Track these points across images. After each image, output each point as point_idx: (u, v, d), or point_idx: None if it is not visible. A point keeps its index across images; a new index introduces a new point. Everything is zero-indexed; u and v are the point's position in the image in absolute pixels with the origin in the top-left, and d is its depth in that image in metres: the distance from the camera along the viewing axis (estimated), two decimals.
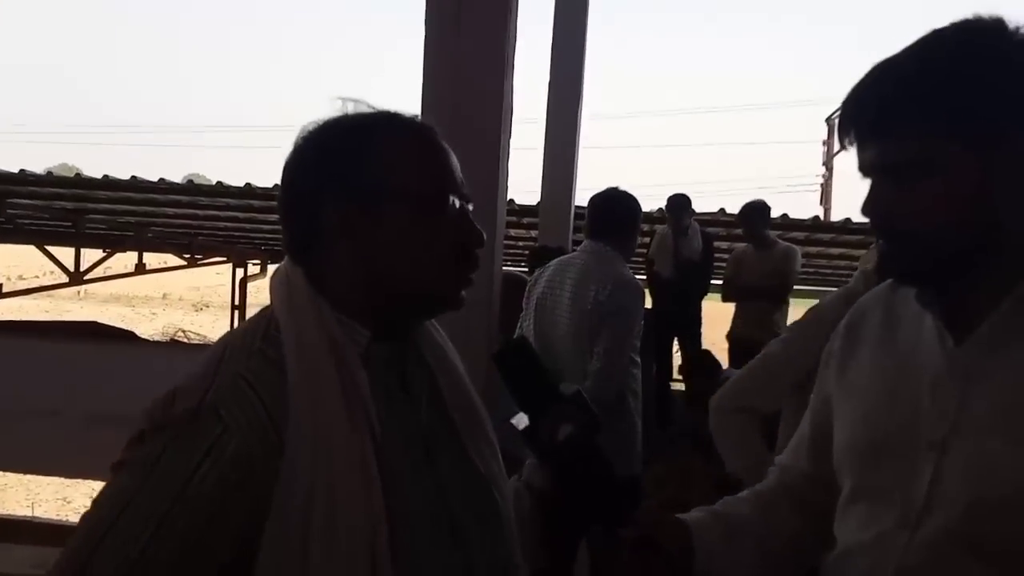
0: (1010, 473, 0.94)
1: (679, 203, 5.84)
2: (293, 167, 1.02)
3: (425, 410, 1.05)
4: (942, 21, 0.99)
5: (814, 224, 7.46)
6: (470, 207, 1.04)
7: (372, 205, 0.98)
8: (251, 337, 0.97)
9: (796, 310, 5.75)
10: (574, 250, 3.39)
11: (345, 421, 0.92)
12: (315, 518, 0.88)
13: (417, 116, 1.05)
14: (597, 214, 3.17)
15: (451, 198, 1.01)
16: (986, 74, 0.94)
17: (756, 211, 5.60)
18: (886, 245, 1.03)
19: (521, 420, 1.04)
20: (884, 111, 0.98)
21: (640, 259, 6.08)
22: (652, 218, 6.85)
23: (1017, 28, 0.96)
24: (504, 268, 3.07)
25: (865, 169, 1.02)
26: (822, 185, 22.89)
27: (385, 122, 1.02)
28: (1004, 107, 0.94)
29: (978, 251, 0.98)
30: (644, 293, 3.05)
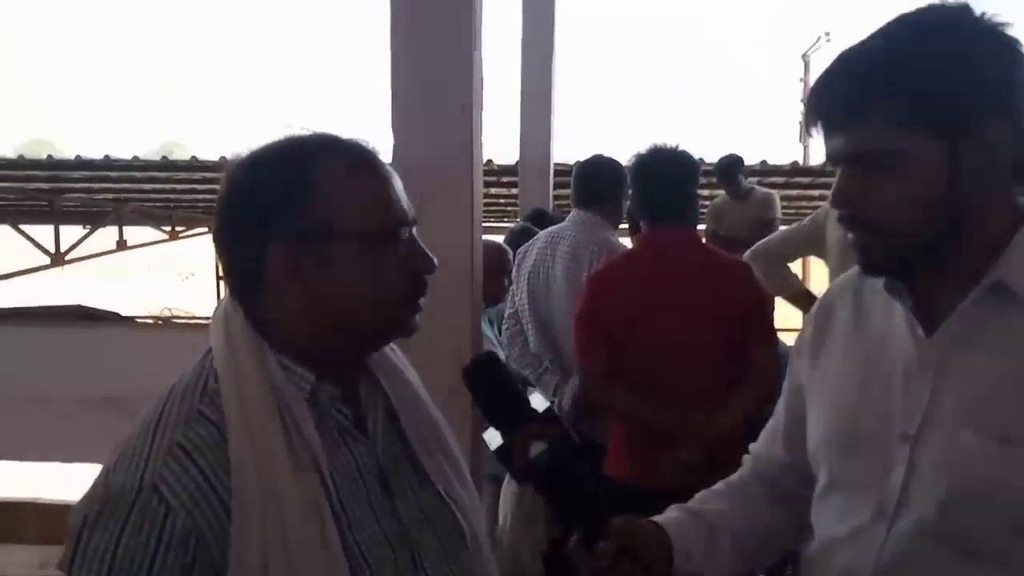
0: (983, 466, 0.94)
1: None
2: (230, 203, 0.97)
3: (381, 443, 1.03)
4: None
5: (793, 169, 7.47)
6: (414, 231, 1.01)
7: (318, 244, 0.94)
8: (190, 395, 0.93)
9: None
10: (553, 215, 3.37)
11: (291, 475, 0.90)
12: (273, 574, 0.86)
13: (358, 140, 1.01)
14: (582, 182, 3.13)
15: (398, 230, 0.98)
16: (952, 62, 0.93)
17: (733, 166, 5.52)
18: (855, 235, 1.02)
19: (493, 438, 1.03)
20: (851, 101, 0.97)
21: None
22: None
23: (983, 14, 0.95)
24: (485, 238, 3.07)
25: (833, 159, 1.01)
26: (801, 123, 22.76)
27: (325, 152, 0.97)
28: (970, 94, 0.93)
29: (947, 240, 0.98)
30: None
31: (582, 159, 3.23)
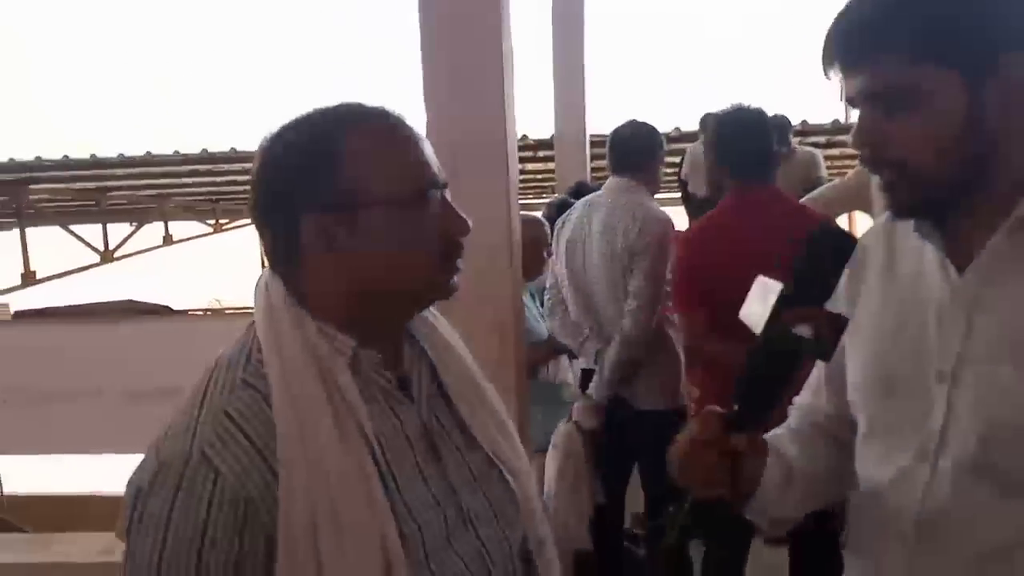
0: (1021, 399, 0.94)
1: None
2: (261, 179, 0.99)
3: (426, 406, 1.04)
4: None
5: (835, 127, 7.31)
6: (447, 193, 1.01)
7: (348, 213, 0.95)
8: (234, 365, 0.96)
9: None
10: (599, 188, 3.35)
11: (336, 438, 0.91)
12: (322, 537, 0.88)
13: (384, 106, 1.00)
14: (617, 149, 3.12)
15: (428, 192, 0.98)
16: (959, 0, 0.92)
17: (784, 128, 5.40)
18: (880, 177, 1.01)
19: (804, 330, 0.97)
20: (867, 38, 0.95)
21: (673, 180, 6.00)
22: (684, 136, 6.74)
23: None
24: (522, 211, 3.06)
25: (852, 99, 0.99)
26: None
27: (349, 122, 0.98)
28: (987, 28, 0.92)
29: (974, 177, 0.96)
30: (672, 224, 3.02)
31: (617, 127, 3.20)
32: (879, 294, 1.12)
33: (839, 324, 0.99)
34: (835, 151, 7.88)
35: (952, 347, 1.00)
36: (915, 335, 1.04)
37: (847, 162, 8.44)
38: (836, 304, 1.19)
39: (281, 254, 0.99)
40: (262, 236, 1.01)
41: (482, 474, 1.07)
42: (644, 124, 3.17)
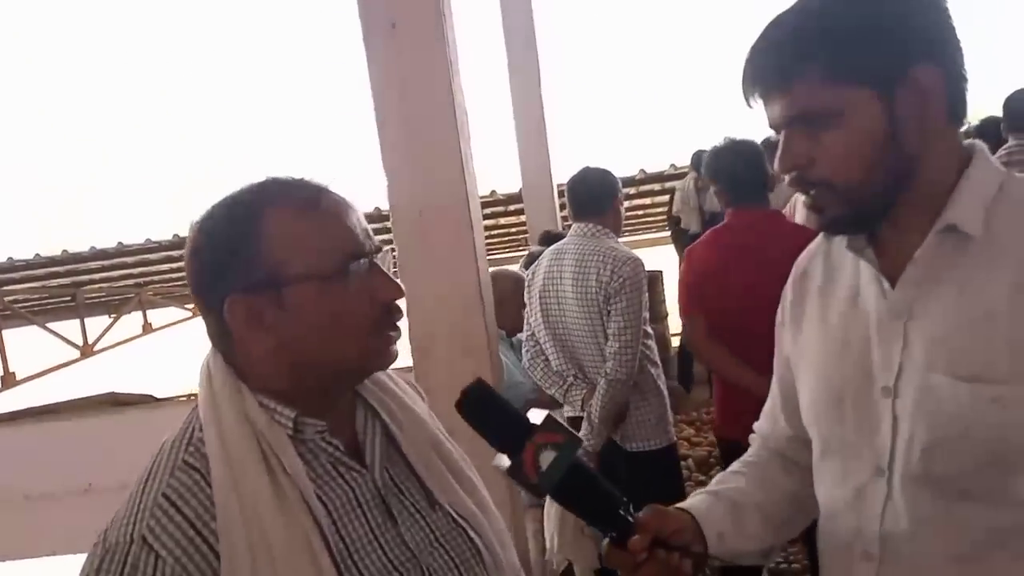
0: (957, 408, 0.95)
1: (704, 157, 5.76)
2: (189, 262, 1.00)
3: (379, 470, 1.03)
4: None
5: None
6: (379, 257, 1.01)
7: (271, 292, 0.95)
8: (175, 448, 0.97)
9: None
10: (563, 234, 3.40)
11: (277, 512, 0.91)
12: None
13: (307, 179, 1.01)
14: (576, 196, 3.18)
15: (350, 264, 0.97)
16: (873, 13, 0.95)
17: (771, 149, 5.54)
18: (808, 197, 1.03)
19: (502, 461, 1.01)
20: (782, 64, 0.98)
21: (661, 218, 6.06)
22: (649, 178, 6.83)
23: None
24: (499, 267, 3.08)
25: (775, 124, 1.02)
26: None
27: (267, 201, 0.98)
28: (895, 43, 0.95)
29: (898, 189, 0.99)
30: (643, 263, 3.05)
31: (572, 176, 3.27)
32: (820, 313, 1.14)
33: (566, 434, 1.01)
34: None
35: (893, 360, 1.01)
36: (859, 351, 1.05)
37: None
38: (783, 329, 1.22)
39: (216, 333, 1.00)
40: (200, 312, 1.02)
41: (444, 532, 1.05)
42: (596, 169, 3.22)
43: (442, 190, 1.98)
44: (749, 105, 1.03)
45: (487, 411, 1.03)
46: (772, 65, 1.00)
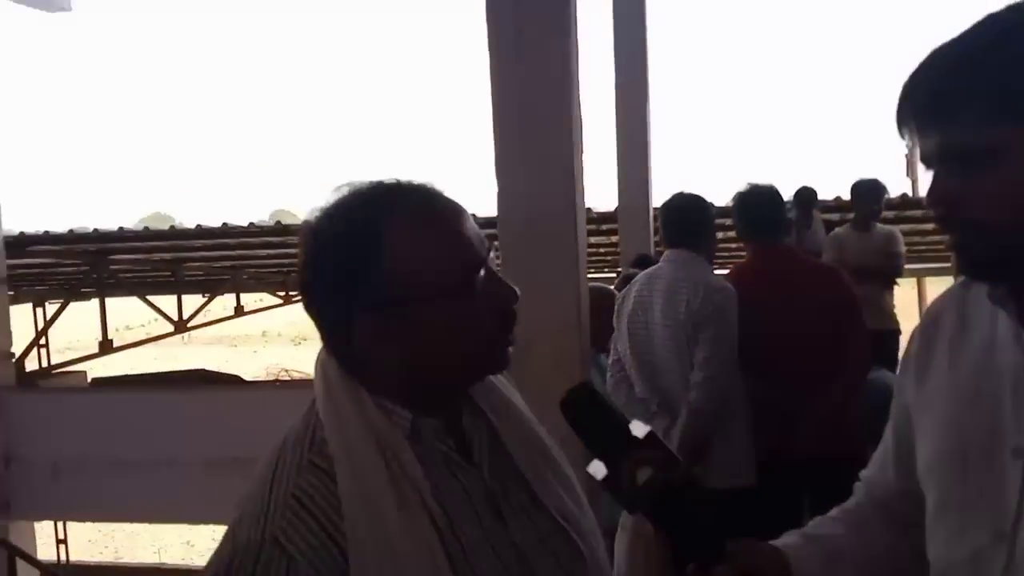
0: None
1: (806, 197, 5.70)
2: (311, 272, 0.99)
3: (488, 470, 1.04)
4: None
5: (903, 202, 7.19)
6: (494, 263, 1.01)
7: (402, 311, 0.96)
8: (299, 447, 0.98)
9: (899, 291, 5.59)
10: (658, 260, 3.37)
11: (400, 516, 0.92)
12: None
13: (420, 185, 1.00)
14: (670, 222, 3.18)
15: (475, 277, 0.98)
16: None
17: (872, 191, 5.40)
18: (954, 237, 0.98)
19: (599, 470, 0.99)
20: (942, 97, 0.94)
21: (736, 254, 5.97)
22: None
23: None
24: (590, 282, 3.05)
25: (927, 159, 0.98)
26: (907, 156, 22.06)
27: (387, 211, 0.97)
28: None
29: None
30: (735, 295, 2.99)
31: (667, 200, 3.25)
32: (951, 363, 1.08)
33: (667, 452, 0.98)
34: (905, 226, 7.73)
35: None
36: (990, 407, 1.00)
37: (917, 238, 8.27)
38: (905, 375, 1.16)
39: (336, 341, 1.00)
40: (313, 319, 1.02)
41: (549, 534, 1.05)
42: (693, 195, 3.21)
43: (553, 202, 1.98)
44: (902, 137, 0.99)
45: (592, 415, 1.02)
46: (929, 100, 0.95)
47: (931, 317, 1.14)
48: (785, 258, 3.24)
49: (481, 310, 0.98)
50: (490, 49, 1.98)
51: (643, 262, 4.23)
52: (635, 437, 1.00)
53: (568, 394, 1.03)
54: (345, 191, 1.00)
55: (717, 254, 3.41)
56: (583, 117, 2.08)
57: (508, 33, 1.95)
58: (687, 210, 3.15)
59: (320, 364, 1.03)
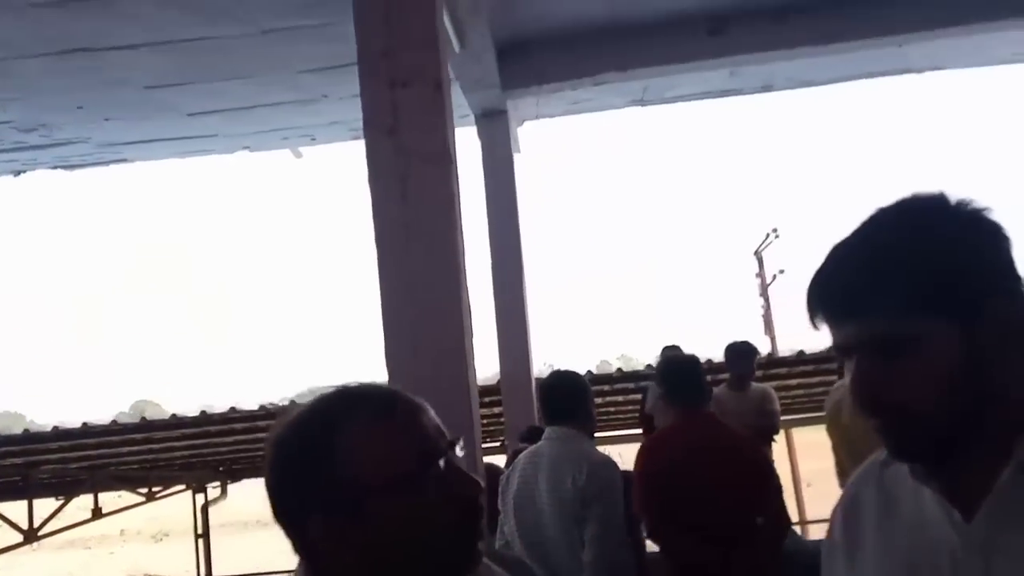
0: None
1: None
2: (271, 484, 1.00)
3: None
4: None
5: (768, 361, 7.60)
6: (457, 449, 1.01)
7: (355, 510, 0.95)
8: None
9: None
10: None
11: None
12: None
13: (378, 385, 1.04)
14: (548, 399, 3.22)
15: (435, 463, 0.97)
16: (950, 247, 0.96)
17: (745, 353, 5.66)
18: (879, 422, 1.00)
19: None
20: (852, 294, 0.98)
21: (632, 417, 6.04)
22: (627, 376, 6.83)
23: (959, 202, 0.99)
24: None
25: (844, 349, 1.01)
26: (763, 316, 23.41)
27: (340, 414, 0.98)
28: (973, 275, 0.95)
29: (974, 419, 0.96)
30: (618, 467, 3.05)
31: (541, 377, 3.34)
32: (879, 543, 1.08)
33: None
34: (773, 383, 8.11)
35: None
36: None
37: (784, 393, 8.68)
38: (833, 551, 1.15)
39: (302, 548, 0.99)
40: (284, 532, 1.01)
41: None
42: (568, 372, 3.31)
43: (446, 388, 1.99)
44: (815, 327, 1.02)
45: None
46: (840, 297, 0.99)
47: (849, 497, 1.15)
48: (709, 422, 3.45)
49: (439, 502, 0.96)
50: (378, 247, 2.02)
51: (533, 435, 4.20)
52: None
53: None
54: (310, 398, 1.02)
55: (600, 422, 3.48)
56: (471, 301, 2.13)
57: (395, 236, 2.00)
58: (563, 387, 3.21)
59: (296, 570, 1.02)
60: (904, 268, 0.95)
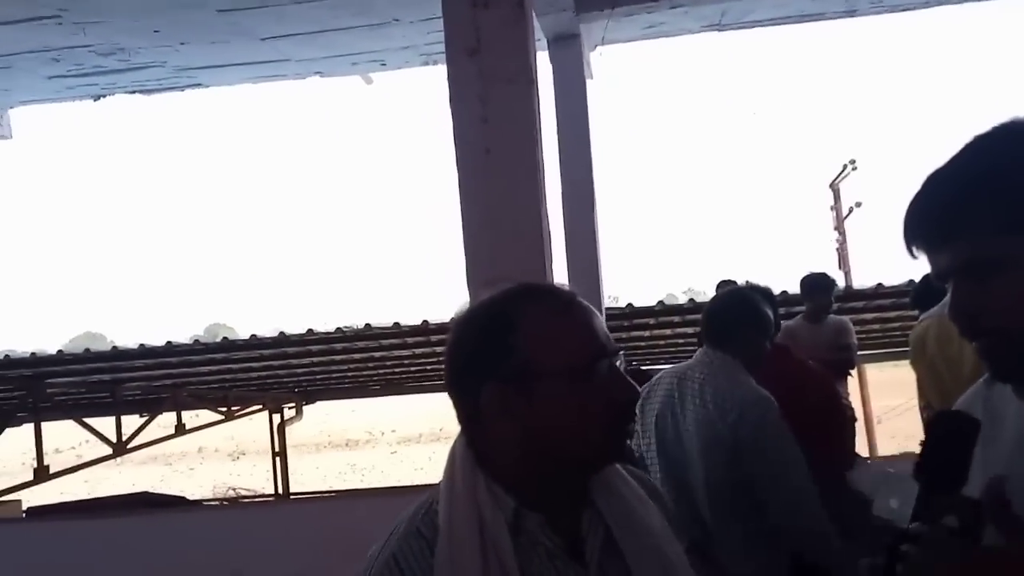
0: None
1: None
2: (449, 353, 1.11)
3: (596, 571, 1.07)
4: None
5: (846, 294, 7.42)
6: (619, 360, 1.09)
7: (525, 385, 1.04)
8: (416, 512, 1.10)
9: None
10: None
11: None
12: None
13: (558, 285, 1.14)
14: (708, 319, 2.72)
15: (599, 362, 1.05)
16: None
17: (822, 285, 5.50)
18: (980, 345, 1.02)
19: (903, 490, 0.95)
20: (949, 215, 0.99)
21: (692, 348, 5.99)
22: (699, 307, 6.79)
23: None
24: None
25: (940, 275, 1.03)
26: (838, 251, 22.89)
27: (525, 300, 1.09)
28: None
29: None
30: (775, 406, 2.47)
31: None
32: (983, 461, 1.08)
33: (980, 510, 0.96)
34: (846, 316, 7.96)
35: None
36: None
37: (858, 328, 8.51)
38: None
39: (466, 418, 1.11)
40: (453, 405, 1.12)
41: None
42: (743, 289, 2.88)
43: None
44: (912, 255, 1.04)
45: (958, 447, 0.99)
46: (936, 220, 1.01)
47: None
48: (782, 357, 3.12)
49: (600, 397, 1.05)
50: (458, 169, 2.02)
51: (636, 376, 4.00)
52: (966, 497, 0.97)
53: (939, 419, 1.02)
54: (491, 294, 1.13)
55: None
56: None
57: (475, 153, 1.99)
58: (729, 306, 2.71)
59: (454, 445, 1.13)
60: (1001, 190, 0.96)
